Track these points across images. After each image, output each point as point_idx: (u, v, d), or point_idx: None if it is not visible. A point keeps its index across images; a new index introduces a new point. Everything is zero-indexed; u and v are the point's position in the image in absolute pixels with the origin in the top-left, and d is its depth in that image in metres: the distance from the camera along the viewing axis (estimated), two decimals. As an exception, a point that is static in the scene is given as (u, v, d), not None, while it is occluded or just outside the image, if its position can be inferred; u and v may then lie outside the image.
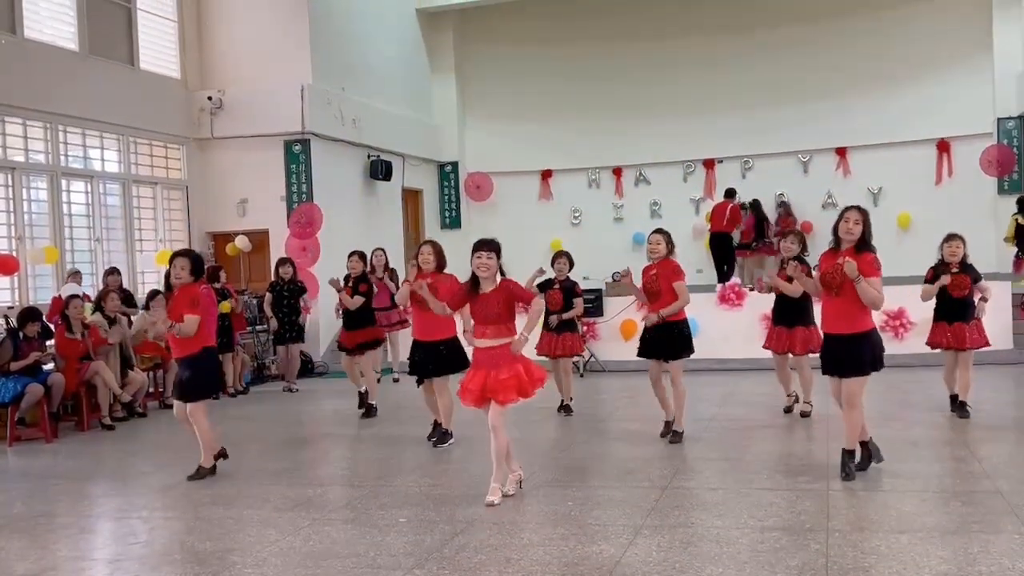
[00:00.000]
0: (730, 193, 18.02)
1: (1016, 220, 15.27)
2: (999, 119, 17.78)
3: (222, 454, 7.76)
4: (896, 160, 18.73)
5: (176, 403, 7.68)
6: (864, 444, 6.72)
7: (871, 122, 18.77)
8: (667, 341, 8.12)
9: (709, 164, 20.23)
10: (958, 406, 8.87)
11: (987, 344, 8.98)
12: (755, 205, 18.47)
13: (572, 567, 4.95)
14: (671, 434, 8.23)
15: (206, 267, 13.18)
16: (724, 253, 17.43)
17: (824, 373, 6.72)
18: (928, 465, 7.08)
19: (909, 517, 5.62)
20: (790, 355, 9.20)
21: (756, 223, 18.23)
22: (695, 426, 8.81)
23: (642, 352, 8.34)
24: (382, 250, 12.97)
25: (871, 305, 6.41)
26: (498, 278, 6.45)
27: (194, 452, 7.66)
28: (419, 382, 8.59)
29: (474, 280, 6.48)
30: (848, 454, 6.62)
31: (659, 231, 8.38)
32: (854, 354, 6.46)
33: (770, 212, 18.80)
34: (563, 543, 5.36)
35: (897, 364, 11.51)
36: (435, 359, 8.26)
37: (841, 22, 19.07)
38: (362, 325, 10.59)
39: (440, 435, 8.45)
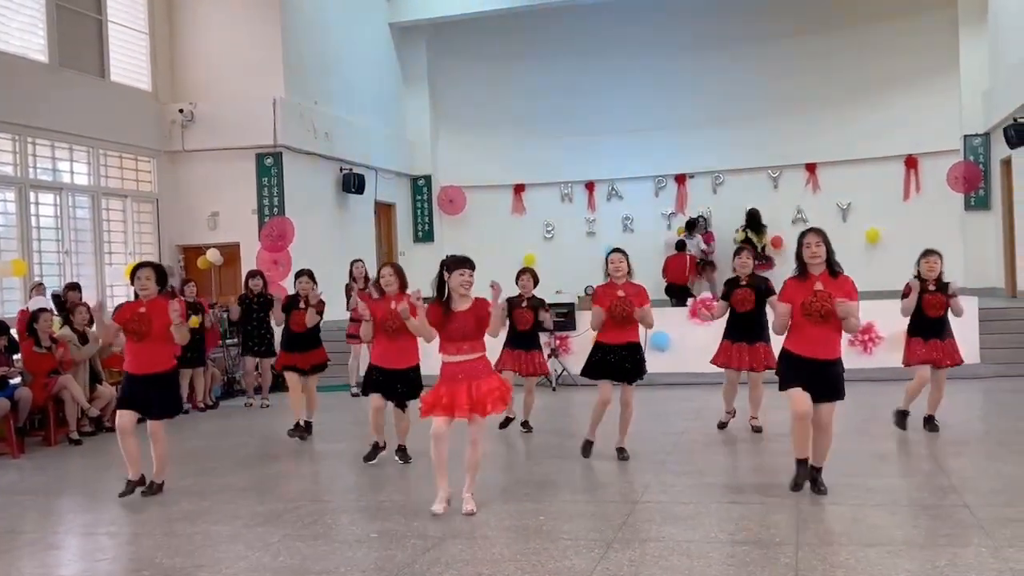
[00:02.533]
0: (690, 225, 18.33)
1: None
2: (966, 136, 18.05)
3: (141, 482, 7.44)
4: (865, 176, 18.97)
5: (127, 415, 7.31)
6: (804, 462, 6.63)
7: (840, 138, 19.01)
8: (628, 364, 7.94)
9: (680, 179, 20.39)
10: (926, 420, 8.85)
11: (961, 362, 8.91)
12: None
13: (543, 582, 4.96)
14: (618, 451, 8.12)
15: (180, 280, 13.31)
16: (682, 300, 17.44)
17: (784, 388, 6.60)
18: (896, 479, 7.14)
19: (877, 531, 5.66)
20: (746, 372, 9.12)
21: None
22: (666, 440, 8.84)
23: (597, 374, 8.03)
24: (361, 261, 12.91)
25: (851, 331, 6.49)
26: (471, 295, 6.46)
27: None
28: (371, 390, 8.29)
29: (445, 297, 6.46)
30: (817, 470, 6.61)
31: (620, 250, 8.13)
32: (836, 379, 6.48)
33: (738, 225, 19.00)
34: (534, 557, 5.36)
35: (865, 378, 11.64)
36: (402, 384, 8.10)
37: (811, 40, 19.30)
38: (314, 346, 10.26)
39: (402, 454, 8.37)
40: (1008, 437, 8.74)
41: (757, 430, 9.15)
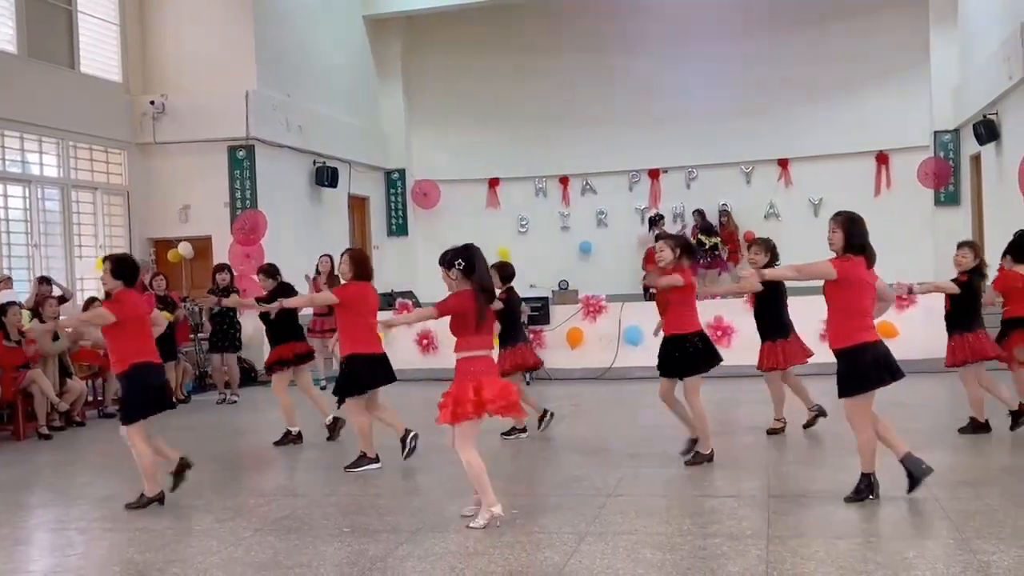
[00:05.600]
0: (652, 221, 18.41)
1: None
2: (936, 132, 18.21)
3: (185, 465, 7.04)
4: (836, 171, 19.09)
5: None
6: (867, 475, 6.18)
7: (812, 134, 19.13)
8: (679, 356, 7.45)
9: (654, 174, 20.45)
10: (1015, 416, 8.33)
11: (993, 356, 8.27)
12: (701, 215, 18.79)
13: (516, 575, 4.96)
14: (693, 453, 7.55)
15: (150, 273, 13.17)
16: None
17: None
18: (866, 472, 7.18)
19: (847, 523, 5.72)
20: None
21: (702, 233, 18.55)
22: (639, 433, 8.87)
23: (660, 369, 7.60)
24: (328, 256, 12.86)
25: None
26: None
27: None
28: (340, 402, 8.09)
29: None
30: (863, 477, 6.15)
31: (664, 236, 7.68)
32: (843, 372, 6.09)
33: (713, 220, 19.08)
34: (508, 551, 5.37)
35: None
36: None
37: (783, 37, 19.40)
38: (293, 338, 9.62)
39: (357, 458, 7.91)
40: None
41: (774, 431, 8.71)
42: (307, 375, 9.81)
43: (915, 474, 6.13)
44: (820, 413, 8.71)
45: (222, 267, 13.21)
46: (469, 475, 5.91)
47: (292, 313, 9.43)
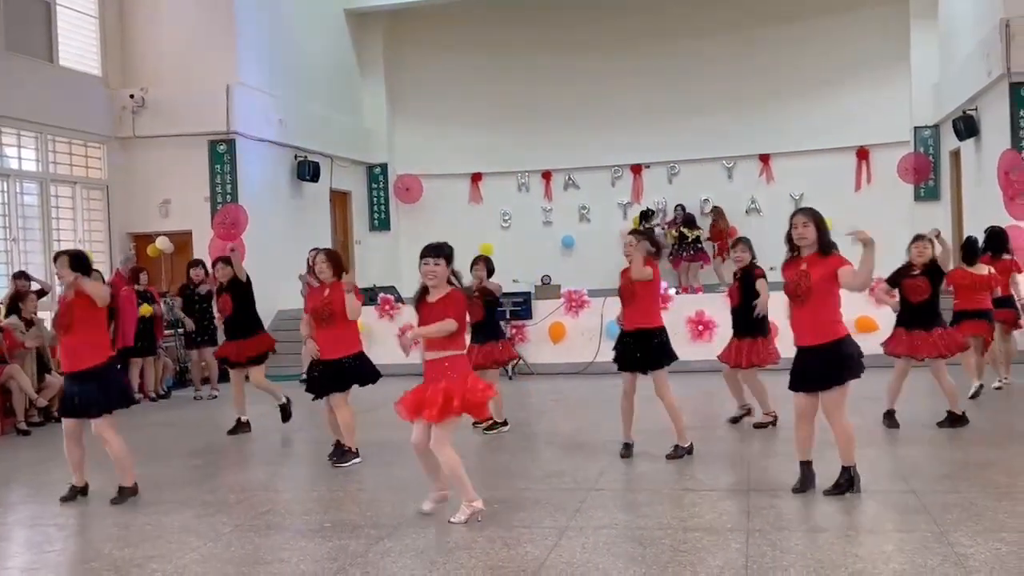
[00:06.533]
0: (644, 215, 18.50)
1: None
2: (916, 128, 18.33)
3: (84, 490, 7.01)
4: (817, 167, 19.17)
5: (68, 421, 6.88)
6: (806, 464, 6.31)
7: (793, 130, 19.20)
8: (646, 350, 7.47)
9: (636, 169, 20.48)
10: (889, 416, 8.56)
11: (948, 353, 8.40)
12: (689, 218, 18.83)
13: (497, 569, 4.96)
14: (673, 448, 7.58)
15: (131, 267, 13.08)
16: None
17: (794, 389, 6.24)
18: (845, 465, 7.21)
19: (826, 517, 5.74)
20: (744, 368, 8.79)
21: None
22: (620, 428, 8.88)
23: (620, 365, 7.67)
24: (316, 249, 12.84)
25: (862, 285, 6.07)
26: (447, 286, 5.92)
27: (109, 465, 7.09)
28: (315, 396, 8.07)
29: (423, 287, 6.00)
30: (845, 470, 6.18)
31: (635, 231, 7.81)
32: (828, 364, 6.06)
33: (698, 216, 19.12)
34: (488, 545, 5.37)
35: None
36: (334, 376, 7.78)
37: (765, 33, 19.45)
38: (248, 334, 9.67)
39: (340, 454, 7.85)
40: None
41: (760, 425, 8.82)
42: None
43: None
44: (748, 413, 9.00)
45: (197, 262, 13.16)
46: (447, 473, 5.88)
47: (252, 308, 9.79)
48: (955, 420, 8.40)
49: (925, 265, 8.29)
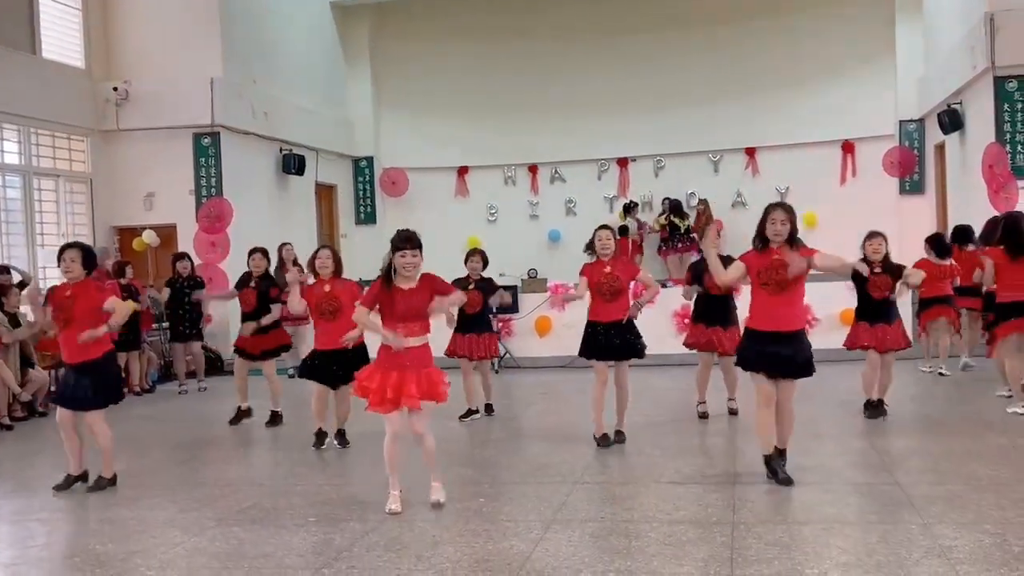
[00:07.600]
0: (627, 208, 18.52)
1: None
2: (901, 121, 18.36)
3: (83, 477, 7.12)
4: (803, 160, 19.17)
5: (63, 411, 6.98)
6: (780, 453, 6.51)
7: (779, 123, 19.19)
8: (618, 341, 7.83)
9: (623, 163, 20.45)
10: (873, 406, 8.72)
11: (906, 346, 8.85)
12: (676, 206, 18.82)
13: (482, 563, 4.96)
14: (616, 434, 7.97)
15: (114, 263, 13.04)
16: None
17: (757, 371, 6.36)
18: (830, 458, 7.25)
19: (811, 509, 5.76)
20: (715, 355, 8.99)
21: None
22: (608, 420, 8.87)
23: (590, 354, 7.97)
24: (290, 244, 12.81)
25: (841, 269, 6.63)
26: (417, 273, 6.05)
27: (96, 452, 7.20)
28: (308, 375, 8.27)
29: (387, 277, 6.01)
30: (780, 452, 6.46)
31: (607, 227, 8.00)
32: (803, 353, 6.29)
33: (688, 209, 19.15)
34: (474, 539, 5.36)
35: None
36: (347, 367, 7.79)
37: (750, 26, 19.43)
38: (267, 328, 9.74)
39: (341, 439, 8.32)
40: (938, 417, 8.96)
41: (734, 412, 9.08)
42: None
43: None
44: (705, 416, 9.10)
45: (182, 255, 13.13)
46: (431, 451, 6.11)
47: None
48: (874, 408, 8.74)
49: (883, 263, 8.54)
